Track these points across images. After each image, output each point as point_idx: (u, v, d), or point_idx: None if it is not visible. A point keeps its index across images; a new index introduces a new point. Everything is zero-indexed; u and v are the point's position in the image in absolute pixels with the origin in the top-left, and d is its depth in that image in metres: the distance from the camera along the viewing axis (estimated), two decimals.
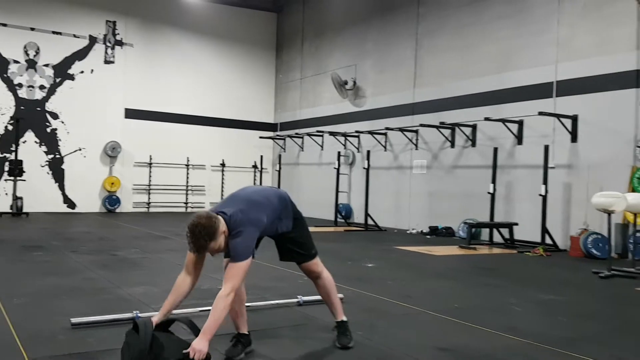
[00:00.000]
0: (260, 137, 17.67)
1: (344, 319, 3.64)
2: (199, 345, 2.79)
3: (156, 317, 3.01)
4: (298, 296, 4.75)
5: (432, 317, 4.48)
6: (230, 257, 3.01)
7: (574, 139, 9.72)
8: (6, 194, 14.34)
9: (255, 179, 17.75)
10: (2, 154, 14.52)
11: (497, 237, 10.39)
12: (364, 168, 13.02)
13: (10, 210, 13.60)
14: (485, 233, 10.88)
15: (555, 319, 4.57)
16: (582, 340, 3.89)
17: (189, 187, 16.97)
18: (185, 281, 3.07)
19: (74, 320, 3.82)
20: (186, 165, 16.90)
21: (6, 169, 14.31)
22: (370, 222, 12.75)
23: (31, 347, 3.36)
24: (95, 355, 3.28)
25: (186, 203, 16.91)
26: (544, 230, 9.41)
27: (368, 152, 13.10)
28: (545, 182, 9.42)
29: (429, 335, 3.95)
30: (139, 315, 3.99)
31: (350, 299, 4.91)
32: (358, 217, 14.22)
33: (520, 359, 3.47)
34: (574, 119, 9.69)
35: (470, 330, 4.08)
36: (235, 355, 3.27)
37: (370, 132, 13.75)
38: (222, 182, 17.39)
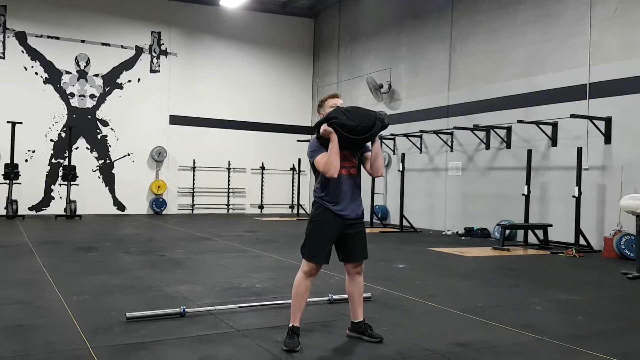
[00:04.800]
0: (298, 141, 18.12)
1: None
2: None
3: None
4: (329, 294, 5.11)
5: (454, 315, 4.78)
6: None
7: (607, 140, 9.77)
8: (60, 197, 15.27)
9: (293, 181, 18.24)
10: (56, 160, 15.45)
11: (532, 238, 10.51)
12: (399, 170, 13.29)
13: (65, 213, 14.47)
14: (520, 234, 11.00)
15: (572, 317, 4.80)
16: (591, 338, 4.13)
17: (231, 190, 17.59)
18: None
19: (129, 314, 4.30)
20: (227, 168, 17.52)
21: (60, 174, 15.22)
22: (405, 223, 13.00)
23: (92, 338, 3.84)
24: (148, 345, 3.73)
25: (228, 205, 17.54)
26: (578, 232, 9.47)
27: (403, 154, 13.36)
28: (578, 183, 9.49)
29: (449, 332, 4.25)
30: (186, 309, 4.45)
31: (378, 298, 5.26)
32: (394, 218, 14.49)
33: (523, 352, 3.77)
34: (608, 120, 9.73)
35: (488, 327, 4.37)
36: (295, 347, 3.68)
37: (406, 135, 14.01)
38: (262, 185, 17.95)
